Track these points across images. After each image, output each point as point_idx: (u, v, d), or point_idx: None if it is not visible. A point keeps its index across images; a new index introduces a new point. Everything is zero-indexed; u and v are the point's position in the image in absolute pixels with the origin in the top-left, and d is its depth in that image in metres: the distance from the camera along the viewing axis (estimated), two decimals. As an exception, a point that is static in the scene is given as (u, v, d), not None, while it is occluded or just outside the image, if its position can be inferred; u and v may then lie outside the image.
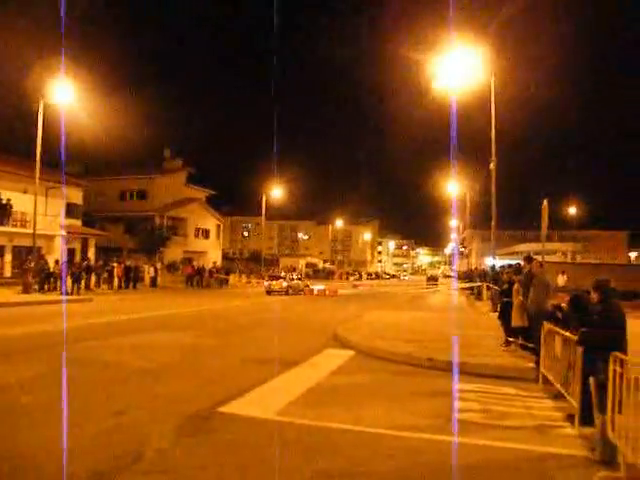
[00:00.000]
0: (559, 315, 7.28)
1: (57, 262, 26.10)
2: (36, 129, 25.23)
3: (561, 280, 25.32)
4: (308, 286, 34.78)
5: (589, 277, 6.15)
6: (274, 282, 32.81)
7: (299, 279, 37.06)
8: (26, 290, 23.18)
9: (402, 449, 5.07)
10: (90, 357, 9.24)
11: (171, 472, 4.38)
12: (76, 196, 37.46)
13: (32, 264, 24.16)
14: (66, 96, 24.81)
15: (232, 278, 43.47)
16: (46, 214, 32.39)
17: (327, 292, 31.78)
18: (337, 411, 6.30)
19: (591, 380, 5.04)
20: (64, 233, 33.78)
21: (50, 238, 33.14)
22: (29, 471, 4.38)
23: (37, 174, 25.52)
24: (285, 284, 32.50)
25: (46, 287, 24.71)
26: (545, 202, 12.16)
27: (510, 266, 10.10)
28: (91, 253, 36.68)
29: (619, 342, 4.92)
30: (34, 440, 5.04)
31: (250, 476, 4.40)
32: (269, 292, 31.73)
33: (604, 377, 4.77)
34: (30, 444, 4.92)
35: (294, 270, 57.76)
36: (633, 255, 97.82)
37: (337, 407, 6.49)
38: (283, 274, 37.70)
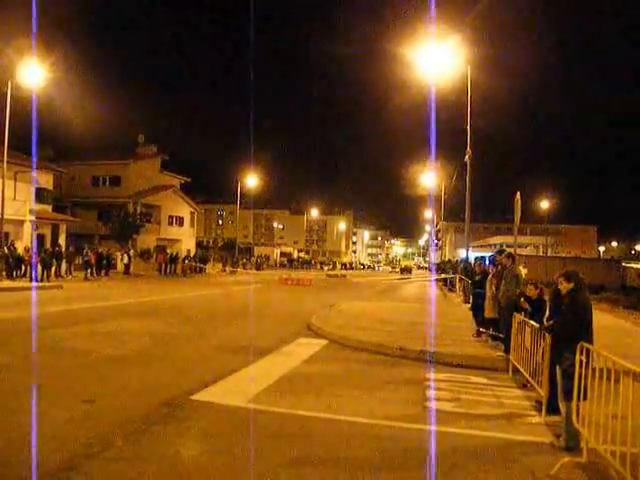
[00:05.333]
0: (526, 307, 7.41)
1: (27, 249, 25.50)
2: (3, 112, 24.53)
3: (522, 273, 25.78)
4: None
5: (557, 270, 6.26)
6: None
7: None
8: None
9: (374, 437, 5.13)
10: (59, 344, 9.09)
11: (141, 459, 4.35)
12: (46, 181, 36.55)
13: (7, 250, 23.57)
14: (36, 78, 24.13)
15: (207, 266, 43.14)
16: (15, 199, 31.59)
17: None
18: (309, 399, 6.34)
19: (557, 369, 5.15)
20: (34, 218, 33.02)
21: (19, 224, 32.33)
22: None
23: (5, 157, 24.85)
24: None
25: (15, 274, 24.17)
26: (518, 194, 12.33)
27: (501, 252, 10.11)
28: (62, 239, 35.85)
29: (585, 332, 5.03)
30: (2, 428, 4.95)
31: (222, 464, 4.39)
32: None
33: (570, 366, 4.88)
34: (-3, 432, 4.84)
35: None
36: (602, 249, 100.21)
37: (309, 395, 6.52)
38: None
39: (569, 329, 5.06)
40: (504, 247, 12.88)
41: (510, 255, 9.66)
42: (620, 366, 4.23)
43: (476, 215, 47.18)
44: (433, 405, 6.28)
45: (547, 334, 5.64)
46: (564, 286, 5.23)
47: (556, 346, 5.31)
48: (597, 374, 4.52)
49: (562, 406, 5.08)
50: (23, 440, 4.62)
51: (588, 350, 4.69)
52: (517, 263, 9.92)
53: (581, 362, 4.72)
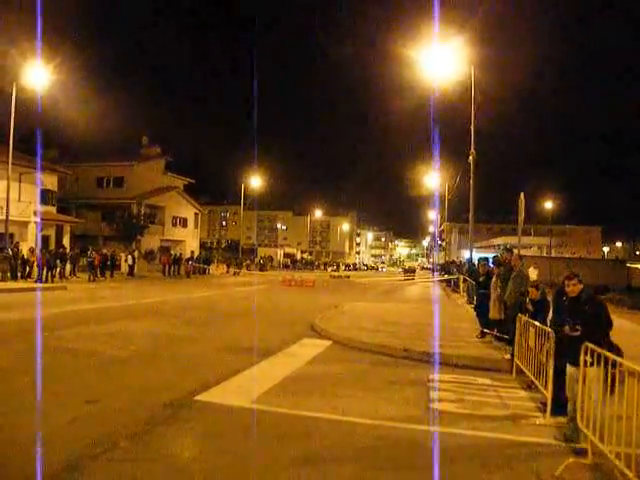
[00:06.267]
0: (530, 308, 7.38)
1: (32, 250, 25.56)
2: (8, 114, 24.62)
3: (533, 274, 25.70)
4: None
5: (562, 271, 6.25)
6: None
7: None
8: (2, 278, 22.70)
9: (377, 437, 5.11)
10: (63, 345, 9.10)
11: (145, 460, 4.35)
12: (51, 182, 36.66)
13: (10, 252, 23.66)
14: (41, 80, 24.21)
15: (210, 268, 43.16)
16: (19, 200, 31.70)
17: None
18: (313, 400, 6.33)
19: (568, 370, 5.11)
20: (38, 220, 33.10)
21: (23, 225, 32.44)
22: (0, 460, 4.30)
23: (10, 159, 24.94)
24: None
25: (19, 275, 24.24)
26: (522, 195, 12.29)
27: (509, 250, 10.06)
28: (66, 240, 35.98)
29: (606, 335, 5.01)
30: (6, 429, 4.96)
31: (226, 463, 4.38)
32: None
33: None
34: (1, 433, 4.84)
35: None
36: (606, 250, 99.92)
37: (313, 396, 6.51)
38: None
39: (604, 329, 5.02)
40: (508, 246, 12.85)
41: (520, 256, 9.64)
42: (625, 367, 4.20)
43: (480, 216, 47.04)
44: (437, 406, 6.26)
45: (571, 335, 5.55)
46: (577, 287, 5.19)
47: (560, 347, 5.27)
48: (602, 375, 4.50)
49: (568, 407, 5.06)
50: (27, 440, 4.63)
51: (593, 351, 4.66)
52: (526, 264, 9.90)
53: (586, 363, 4.70)
